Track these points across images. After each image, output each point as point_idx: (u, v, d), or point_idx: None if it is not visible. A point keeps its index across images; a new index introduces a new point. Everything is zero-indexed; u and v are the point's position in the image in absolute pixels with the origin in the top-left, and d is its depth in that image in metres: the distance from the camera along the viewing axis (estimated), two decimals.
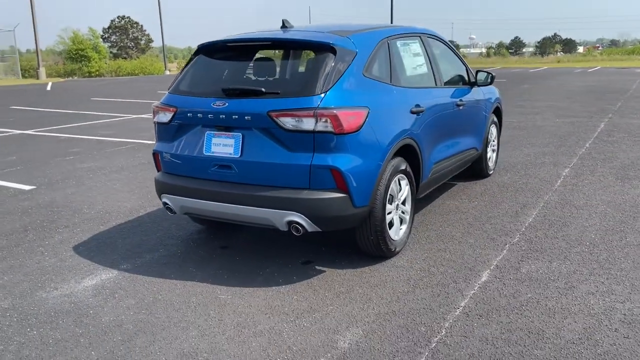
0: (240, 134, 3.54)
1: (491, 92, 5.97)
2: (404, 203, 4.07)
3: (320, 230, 3.52)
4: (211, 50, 3.98)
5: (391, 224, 3.90)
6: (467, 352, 2.73)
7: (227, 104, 3.52)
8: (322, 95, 3.38)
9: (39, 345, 2.92)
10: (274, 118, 3.37)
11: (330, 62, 3.53)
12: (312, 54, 3.65)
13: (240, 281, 3.65)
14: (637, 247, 4.00)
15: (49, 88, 25.19)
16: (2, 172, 7.15)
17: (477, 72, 5.41)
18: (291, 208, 3.40)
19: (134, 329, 3.07)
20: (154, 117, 3.97)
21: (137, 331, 3.04)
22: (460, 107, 4.93)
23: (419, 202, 5.22)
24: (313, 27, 4.16)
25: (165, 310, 3.28)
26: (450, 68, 5.22)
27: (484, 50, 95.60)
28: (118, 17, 62.25)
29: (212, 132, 3.64)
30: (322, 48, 3.60)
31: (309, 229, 3.47)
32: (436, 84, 4.66)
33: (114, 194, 5.90)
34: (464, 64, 5.41)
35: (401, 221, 4.07)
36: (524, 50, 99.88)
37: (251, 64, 3.84)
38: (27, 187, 6.32)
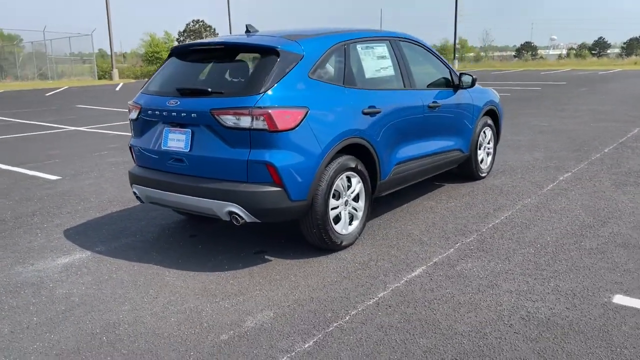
0: (190, 130, 3.87)
1: (483, 95, 6.01)
2: (355, 200, 4.25)
3: (259, 221, 3.78)
4: (179, 53, 4.34)
5: (338, 219, 4.10)
6: (356, 337, 2.91)
7: (179, 103, 3.87)
8: (261, 95, 3.64)
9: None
10: (216, 116, 3.67)
11: (273, 65, 3.79)
12: (259, 57, 3.92)
13: (190, 266, 3.97)
14: (584, 252, 3.99)
15: (118, 89, 26.78)
16: (41, 164, 7.86)
17: (460, 74, 5.49)
18: (230, 200, 3.69)
19: (79, 301, 3.46)
20: (128, 114, 4.38)
21: (80, 303, 3.42)
22: (435, 109, 5.03)
23: (393, 200, 5.38)
24: (271, 32, 4.42)
25: (113, 287, 3.65)
26: (428, 71, 5.33)
27: (564, 51, 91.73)
28: (193, 21, 64.72)
29: (168, 128, 3.99)
30: (267, 51, 3.87)
31: (247, 220, 3.74)
32: (405, 86, 4.80)
33: (123, 185, 6.40)
34: (448, 67, 5.49)
35: (352, 217, 4.25)
36: (608, 51, 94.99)
37: (207, 66, 4.17)
38: (53, 178, 6.96)
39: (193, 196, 3.85)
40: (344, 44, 4.31)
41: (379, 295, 3.40)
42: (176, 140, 3.95)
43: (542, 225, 4.59)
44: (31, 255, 4.26)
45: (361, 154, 4.23)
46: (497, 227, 4.60)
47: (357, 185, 4.23)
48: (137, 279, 3.77)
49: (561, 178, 6.18)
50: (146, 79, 35.81)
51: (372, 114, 4.27)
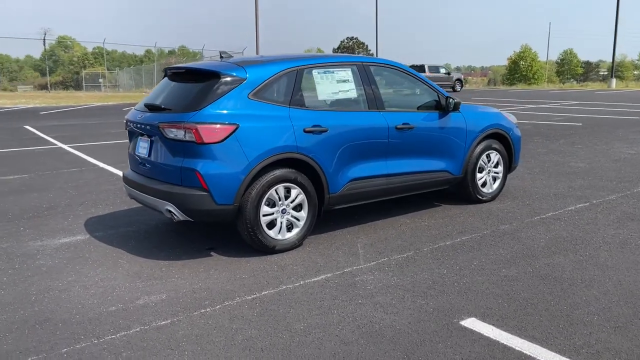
0: (150, 139, 4.65)
1: (483, 118, 6.03)
2: (297, 209, 4.70)
3: (191, 219, 4.43)
4: (165, 73, 5.16)
5: (272, 225, 4.59)
6: (208, 323, 3.42)
7: (143, 116, 4.67)
8: (195, 112, 4.30)
9: None
10: (161, 128, 4.40)
11: (214, 86, 4.43)
12: (206, 80, 4.58)
13: (149, 254, 4.71)
14: (484, 276, 4.02)
15: None
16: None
17: (447, 98, 5.63)
18: (168, 199, 4.39)
19: (44, 270, 4.37)
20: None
21: (44, 272, 4.33)
22: (406, 131, 5.26)
23: (369, 213, 5.67)
24: (234, 59, 5.03)
25: (77, 263, 4.53)
26: (406, 95, 5.57)
27: None
28: (347, 38, 67.13)
29: (140, 137, 4.81)
30: (211, 75, 4.52)
31: (181, 218, 4.41)
32: (369, 108, 5.11)
33: None
34: (436, 91, 5.66)
35: (291, 225, 4.70)
36: None
37: (173, 86, 4.91)
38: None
39: (149, 195, 4.61)
40: (297, 69, 4.78)
41: (262, 293, 3.84)
42: (142, 148, 4.76)
43: (483, 251, 4.62)
44: (47, 234, 5.33)
45: (305, 168, 4.66)
46: (439, 248, 4.72)
47: (297, 196, 4.66)
48: (100, 259, 4.60)
49: (570, 208, 5.93)
50: None
51: (316, 132, 4.68)
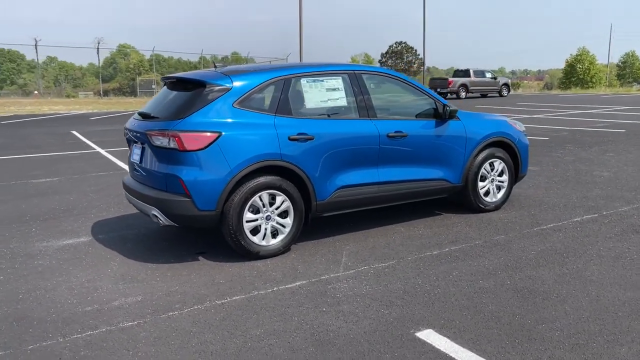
0: (142, 146, 4.83)
1: (485, 126, 5.94)
2: (282, 216, 4.77)
3: (175, 224, 4.58)
4: (163, 82, 5.34)
5: (257, 231, 4.67)
6: (169, 326, 3.54)
7: (137, 124, 4.86)
8: (179, 120, 4.45)
9: None
10: (148, 136, 4.57)
11: (199, 95, 4.56)
12: (193, 89, 4.72)
13: (139, 257, 4.88)
14: (458, 287, 3.97)
15: None
16: None
17: (444, 106, 5.58)
18: (154, 204, 4.55)
19: (41, 269, 4.60)
20: None
21: (40, 271, 4.56)
22: (399, 139, 5.24)
23: (370, 223, 5.67)
24: (222, 69, 5.13)
25: (72, 263, 4.74)
26: (401, 103, 5.56)
27: None
28: (396, 43, 66.75)
29: (134, 144, 5.00)
30: (198, 84, 4.66)
31: (166, 222, 4.56)
32: (360, 116, 5.13)
33: None
34: (433, 98, 5.61)
35: (277, 231, 4.77)
36: None
37: (166, 94, 5.07)
38: None
39: (139, 200, 4.79)
40: (284, 78, 4.86)
41: (233, 298, 3.92)
42: (135, 154, 4.94)
43: (467, 261, 4.55)
44: (54, 236, 5.60)
45: (290, 175, 4.73)
46: (424, 258, 4.68)
47: (283, 203, 4.73)
48: (94, 261, 4.80)
49: (576, 219, 5.75)
50: None
51: (301, 140, 4.74)
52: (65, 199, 7.26)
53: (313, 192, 4.85)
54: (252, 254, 4.65)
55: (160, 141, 4.46)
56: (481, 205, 5.99)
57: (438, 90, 32.84)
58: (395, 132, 5.24)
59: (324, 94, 5.07)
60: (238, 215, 4.53)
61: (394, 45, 67.40)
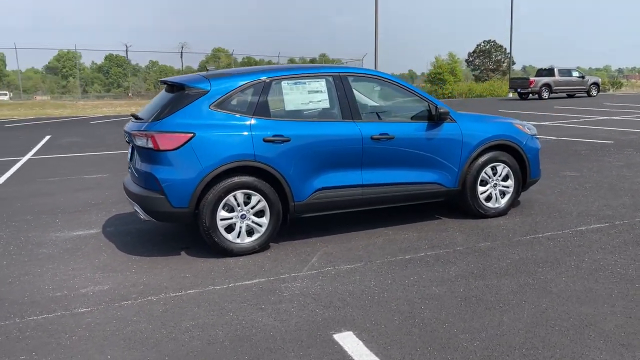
0: (131, 146, 5.16)
1: (485, 128, 5.76)
2: (258, 215, 4.92)
3: (153, 219, 4.86)
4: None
5: (231, 229, 4.86)
6: (120, 314, 3.80)
7: (129, 125, 5.19)
8: (157, 121, 4.72)
9: (3, 253, 5.20)
10: (132, 136, 4.89)
11: (179, 98, 4.82)
12: (175, 91, 4.97)
13: (131, 249, 5.20)
14: (405, 292, 3.92)
15: None
16: None
17: (436, 108, 5.49)
18: (135, 200, 4.87)
19: (40, 259, 5.04)
20: None
21: (38, 260, 5.01)
22: (384, 141, 5.22)
23: (361, 225, 5.70)
24: (204, 72, 5.31)
25: (70, 253, 5.14)
26: (390, 105, 5.52)
27: None
28: (484, 42, 64.72)
29: (129, 144, 5.35)
30: (179, 87, 4.91)
31: (145, 218, 4.86)
32: (343, 119, 5.17)
33: None
34: (427, 100, 5.53)
35: (252, 230, 4.93)
36: None
37: (157, 97, 5.36)
38: None
39: (128, 197, 5.12)
40: (264, 81, 5.00)
41: (187, 292, 4.12)
42: (129, 153, 5.28)
43: (433, 267, 4.48)
44: (71, 227, 6.08)
45: (266, 176, 4.87)
46: (392, 262, 4.65)
47: (258, 202, 4.88)
48: (89, 251, 5.19)
49: (580, 228, 5.44)
50: None
51: (277, 142, 4.86)
52: (100, 194, 7.81)
53: (290, 193, 4.94)
54: (226, 251, 4.82)
55: (141, 141, 4.74)
56: (481, 211, 5.80)
57: (518, 90, 31.50)
58: (380, 134, 5.22)
59: (305, 97, 5.15)
60: (211, 213, 4.72)
61: (482, 44, 65.34)
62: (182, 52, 45.34)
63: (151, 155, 4.70)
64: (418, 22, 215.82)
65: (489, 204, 5.86)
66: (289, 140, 4.89)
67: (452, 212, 6.10)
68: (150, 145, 4.65)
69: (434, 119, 5.44)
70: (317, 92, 5.18)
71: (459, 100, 36.29)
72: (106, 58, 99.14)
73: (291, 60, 60.06)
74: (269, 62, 61.78)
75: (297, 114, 5.12)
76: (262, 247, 4.95)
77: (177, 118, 4.71)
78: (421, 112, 5.53)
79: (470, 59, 65.34)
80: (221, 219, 4.79)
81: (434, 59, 51.17)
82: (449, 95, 45.53)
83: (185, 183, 4.65)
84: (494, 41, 64.61)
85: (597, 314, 3.50)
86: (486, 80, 56.11)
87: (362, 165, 5.21)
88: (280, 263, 4.69)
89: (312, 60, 65.47)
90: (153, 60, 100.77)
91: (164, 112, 4.77)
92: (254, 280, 4.30)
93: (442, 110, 5.40)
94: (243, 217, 4.86)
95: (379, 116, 5.51)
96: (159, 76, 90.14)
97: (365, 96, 5.48)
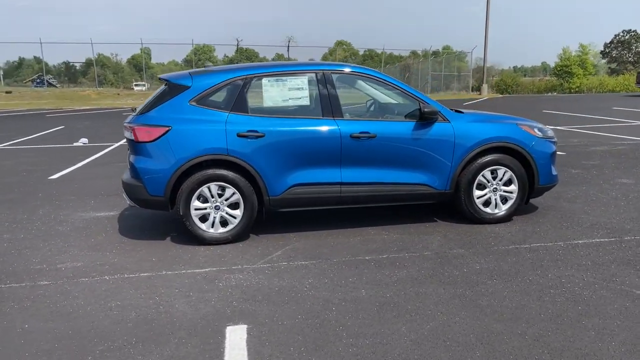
0: None
1: (482, 130, 5.45)
2: (233, 207, 5.13)
3: (137, 206, 5.25)
4: None
5: (205, 219, 5.12)
6: (79, 288, 4.22)
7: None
8: (140, 115, 5.10)
9: (27, 227, 5.89)
10: (124, 128, 5.31)
11: (163, 93, 5.15)
12: (164, 87, 5.30)
13: (129, 232, 5.64)
14: (333, 293, 3.91)
15: (467, 103, 28.17)
16: None
17: (427, 106, 5.33)
18: (123, 187, 5.30)
19: (51, 235, 5.66)
20: None
21: (48, 236, 5.62)
22: (364, 139, 5.18)
23: (349, 223, 5.71)
24: (197, 70, 5.54)
25: (77, 232, 5.71)
26: (378, 103, 5.44)
27: None
28: (623, 32, 59.30)
29: None
30: (166, 83, 5.24)
31: (131, 204, 5.27)
32: (323, 116, 5.19)
33: None
34: (418, 99, 5.38)
35: (226, 221, 5.15)
36: None
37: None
38: None
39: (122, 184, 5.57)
40: (244, 78, 5.17)
41: (136, 275, 4.44)
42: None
43: (383, 270, 4.40)
44: (97, 209, 6.69)
45: (240, 169, 5.06)
46: (350, 261, 4.63)
47: (232, 195, 5.09)
48: (93, 231, 5.70)
49: (577, 241, 5.02)
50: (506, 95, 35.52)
51: (251, 137, 5.02)
52: None
53: (264, 187, 5.08)
54: (199, 239, 5.08)
55: (127, 133, 5.14)
56: (477, 216, 5.53)
57: None
58: (361, 132, 5.17)
59: (285, 94, 5.24)
60: (186, 203, 5.00)
61: (621, 34, 59.80)
62: (288, 46, 46.32)
63: (133, 146, 5.07)
64: (551, 9, 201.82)
65: (487, 209, 5.56)
66: (263, 136, 5.02)
67: (452, 216, 5.85)
68: (132, 137, 5.02)
69: (421, 118, 5.27)
70: (298, 89, 5.24)
71: (580, 96, 33.62)
72: (237, 51, 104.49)
73: (413, 53, 59.20)
74: (389, 55, 61.46)
75: (274, 111, 5.23)
76: (235, 237, 5.13)
77: (158, 112, 5.03)
78: (410, 110, 5.37)
79: (607, 50, 60.10)
80: (195, 209, 5.04)
81: (562, 51, 47.92)
82: (576, 89, 42.50)
83: (161, 173, 4.96)
84: (634, 31, 58.82)
85: (503, 333, 3.28)
86: (622, 74, 51.35)
87: (342, 163, 5.20)
88: (243, 254, 4.85)
89: (425, 54, 64.12)
90: (279, 54, 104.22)
91: (148, 107, 5.11)
92: (205, 269, 4.50)
93: (427, 110, 5.22)
94: (217, 208, 5.08)
95: (363, 114, 5.44)
96: None
97: (351, 93, 5.43)
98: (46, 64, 71.43)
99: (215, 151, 4.97)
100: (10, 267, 4.65)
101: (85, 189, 7.83)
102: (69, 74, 70.59)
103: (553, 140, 5.83)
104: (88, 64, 61.99)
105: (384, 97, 5.63)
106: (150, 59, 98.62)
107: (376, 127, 5.25)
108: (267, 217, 5.36)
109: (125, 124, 5.19)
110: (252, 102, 5.18)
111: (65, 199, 7.21)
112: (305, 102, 5.26)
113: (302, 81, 5.27)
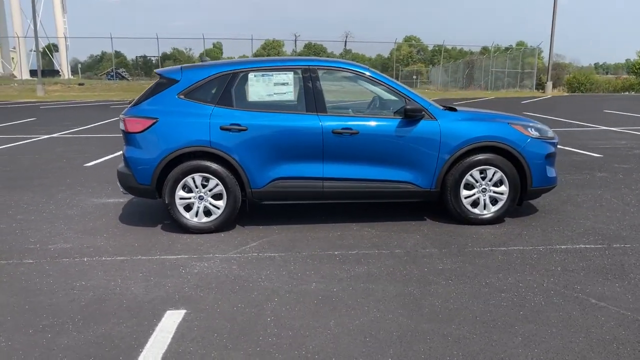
0: None
1: (469, 128, 5.34)
2: (216, 198, 5.31)
3: (129, 194, 5.53)
4: None
5: (190, 208, 5.33)
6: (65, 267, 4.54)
7: None
8: (133, 107, 5.37)
9: (41, 210, 6.34)
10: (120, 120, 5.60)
11: (155, 86, 5.39)
12: (157, 80, 5.53)
13: (131, 220, 5.91)
14: (278, 284, 4.00)
15: (526, 102, 27.13)
16: None
17: (412, 103, 5.30)
18: (117, 176, 5.59)
19: (59, 217, 6.05)
20: None
21: (56, 218, 6.01)
22: (346, 135, 5.21)
23: (337, 217, 5.77)
24: (189, 65, 5.71)
25: (81, 215, 6.07)
26: (362, 99, 5.43)
27: None
28: None
29: None
30: (158, 76, 5.48)
31: (123, 192, 5.55)
32: (307, 111, 5.27)
33: None
34: (405, 96, 5.34)
35: (209, 211, 5.34)
36: None
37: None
38: None
39: None
40: (231, 73, 5.32)
41: (111, 258, 4.70)
42: None
43: (339, 265, 4.44)
44: (112, 195, 7.04)
45: (223, 161, 5.23)
46: (315, 255, 4.69)
47: (216, 186, 5.27)
48: (96, 217, 6.04)
49: (560, 247, 4.85)
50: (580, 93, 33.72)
51: (233, 131, 5.18)
52: None
53: (247, 179, 5.22)
54: (183, 227, 5.29)
55: (121, 124, 5.41)
56: (464, 216, 5.44)
57: None
58: (343, 128, 5.20)
59: (271, 88, 5.34)
60: (170, 192, 5.22)
61: None
62: (345, 41, 46.25)
63: (125, 136, 5.34)
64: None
65: (475, 210, 5.45)
66: (245, 130, 5.16)
67: (443, 216, 5.74)
68: (123, 128, 5.29)
69: (405, 115, 5.23)
70: (283, 84, 5.34)
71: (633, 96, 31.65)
72: (305, 46, 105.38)
73: (484, 49, 57.47)
74: (459, 50, 60.05)
75: (259, 105, 5.34)
76: (217, 227, 5.30)
77: (148, 104, 5.27)
78: (396, 108, 5.34)
79: None
80: (180, 198, 5.25)
81: None
82: None
83: (148, 163, 5.20)
84: None
85: (428, 333, 3.26)
86: None
87: (324, 159, 5.25)
88: (221, 244, 5.01)
89: (507, 49, 61.96)
90: (347, 49, 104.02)
91: (141, 99, 5.36)
92: (178, 256, 4.70)
93: (409, 107, 5.17)
94: (201, 198, 5.26)
95: (348, 111, 5.46)
96: None
97: (336, 90, 5.45)
98: (124, 58, 74.93)
99: (198, 143, 5.14)
100: (8, 245, 5.02)
101: (110, 176, 8.23)
102: (146, 67, 73.68)
103: (551, 141, 5.62)
104: (163, 57, 64.42)
105: (372, 93, 5.61)
106: (221, 53, 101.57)
107: (359, 123, 5.26)
108: (250, 209, 5.49)
109: (120, 116, 5.46)
110: (237, 96, 5.32)
111: (87, 185, 7.63)
112: (290, 97, 5.34)
113: (287, 76, 5.35)
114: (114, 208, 6.32)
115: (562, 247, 4.80)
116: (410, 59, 62.01)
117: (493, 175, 5.39)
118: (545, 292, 3.83)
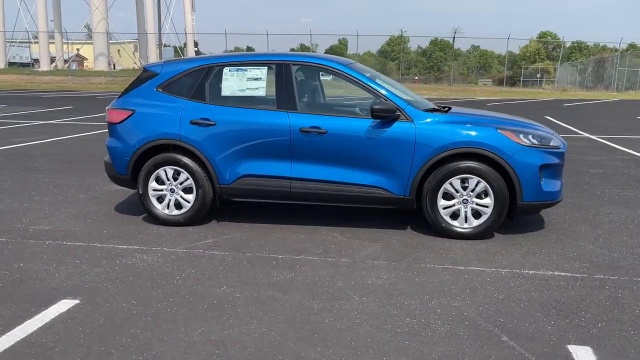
0: None
1: (449, 132, 4.85)
2: (186, 191, 5.35)
3: (114, 183, 5.74)
4: None
5: (162, 200, 5.42)
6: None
7: None
8: (117, 99, 5.56)
9: (46, 193, 6.81)
10: None
11: (138, 79, 5.54)
12: (141, 73, 5.66)
13: (121, 207, 6.22)
14: (166, 280, 3.93)
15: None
16: None
17: (385, 103, 4.95)
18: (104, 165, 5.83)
19: (64, 202, 6.49)
20: None
21: (61, 203, 6.44)
22: (314, 134, 4.98)
23: (319, 220, 5.59)
24: (170, 59, 5.73)
25: (90, 200, 6.45)
26: (336, 97, 5.15)
27: None
28: None
29: None
30: (142, 70, 5.62)
31: (109, 180, 5.78)
32: (277, 108, 5.11)
33: None
34: (381, 96, 5.00)
35: (180, 204, 5.39)
36: None
37: None
38: None
39: None
40: (207, 67, 5.31)
41: (89, 244, 4.91)
42: None
43: (243, 268, 4.26)
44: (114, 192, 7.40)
45: (192, 155, 5.25)
46: (254, 257, 4.56)
47: (186, 180, 5.31)
48: (96, 203, 6.35)
49: (527, 272, 4.28)
50: None
51: (202, 125, 5.17)
52: None
53: (215, 174, 5.19)
54: (154, 218, 5.39)
55: (106, 115, 5.63)
56: (440, 227, 4.98)
57: None
58: (311, 127, 4.98)
59: (243, 83, 5.25)
60: (144, 182, 5.33)
61: None
62: (454, 37, 44.24)
63: (108, 127, 5.53)
64: None
65: (455, 223, 4.96)
66: (214, 125, 5.12)
67: (428, 228, 5.26)
68: (107, 118, 5.49)
69: (372, 115, 4.87)
70: (256, 79, 5.22)
71: None
72: (431, 42, 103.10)
73: (632, 46, 52.54)
74: (603, 47, 55.32)
75: (230, 100, 5.26)
76: (187, 220, 5.33)
77: (128, 96, 5.43)
78: (369, 107, 5.00)
79: None
80: (153, 189, 5.34)
81: None
82: None
83: (124, 153, 5.35)
84: None
85: (276, 349, 3.00)
86: None
87: (292, 158, 5.07)
88: (178, 238, 5.03)
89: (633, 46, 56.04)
90: (475, 45, 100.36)
91: (124, 91, 5.53)
92: (128, 247, 4.79)
93: (377, 107, 4.80)
94: (172, 190, 5.32)
95: (320, 109, 5.20)
96: (479, 61, 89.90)
97: (310, 87, 5.19)
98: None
99: (168, 136, 5.19)
100: (1, 225, 5.41)
101: None
102: None
103: (553, 150, 4.94)
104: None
105: (349, 92, 5.29)
106: (346, 49, 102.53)
107: (329, 122, 4.99)
108: (220, 204, 5.44)
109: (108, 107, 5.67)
110: (211, 91, 5.29)
111: (101, 171, 8.02)
112: (261, 92, 5.21)
113: (261, 72, 5.22)
114: (117, 195, 6.59)
115: (530, 272, 4.20)
116: (537, 56, 58.11)
117: (476, 186, 4.86)
118: (456, 322, 3.37)
